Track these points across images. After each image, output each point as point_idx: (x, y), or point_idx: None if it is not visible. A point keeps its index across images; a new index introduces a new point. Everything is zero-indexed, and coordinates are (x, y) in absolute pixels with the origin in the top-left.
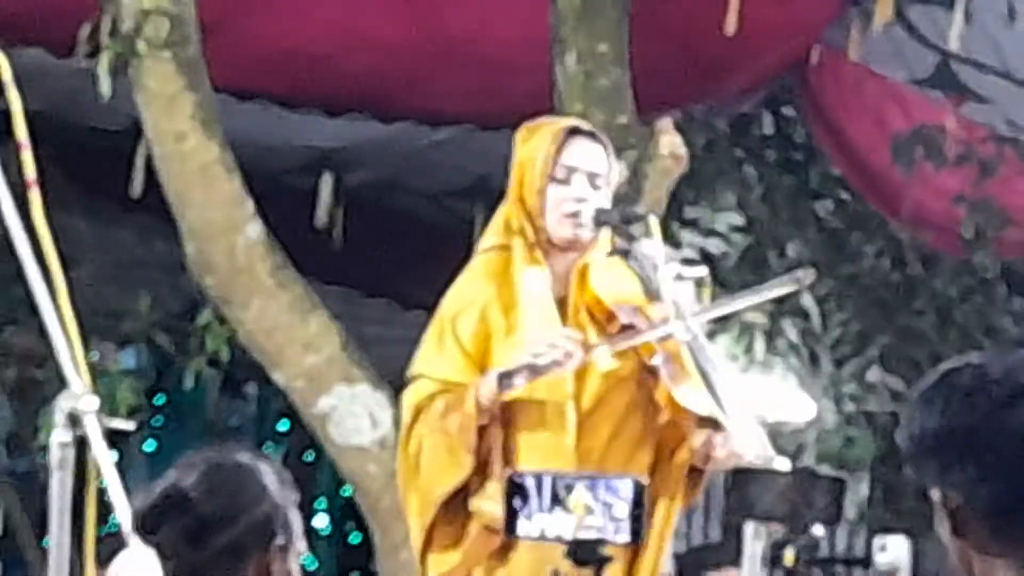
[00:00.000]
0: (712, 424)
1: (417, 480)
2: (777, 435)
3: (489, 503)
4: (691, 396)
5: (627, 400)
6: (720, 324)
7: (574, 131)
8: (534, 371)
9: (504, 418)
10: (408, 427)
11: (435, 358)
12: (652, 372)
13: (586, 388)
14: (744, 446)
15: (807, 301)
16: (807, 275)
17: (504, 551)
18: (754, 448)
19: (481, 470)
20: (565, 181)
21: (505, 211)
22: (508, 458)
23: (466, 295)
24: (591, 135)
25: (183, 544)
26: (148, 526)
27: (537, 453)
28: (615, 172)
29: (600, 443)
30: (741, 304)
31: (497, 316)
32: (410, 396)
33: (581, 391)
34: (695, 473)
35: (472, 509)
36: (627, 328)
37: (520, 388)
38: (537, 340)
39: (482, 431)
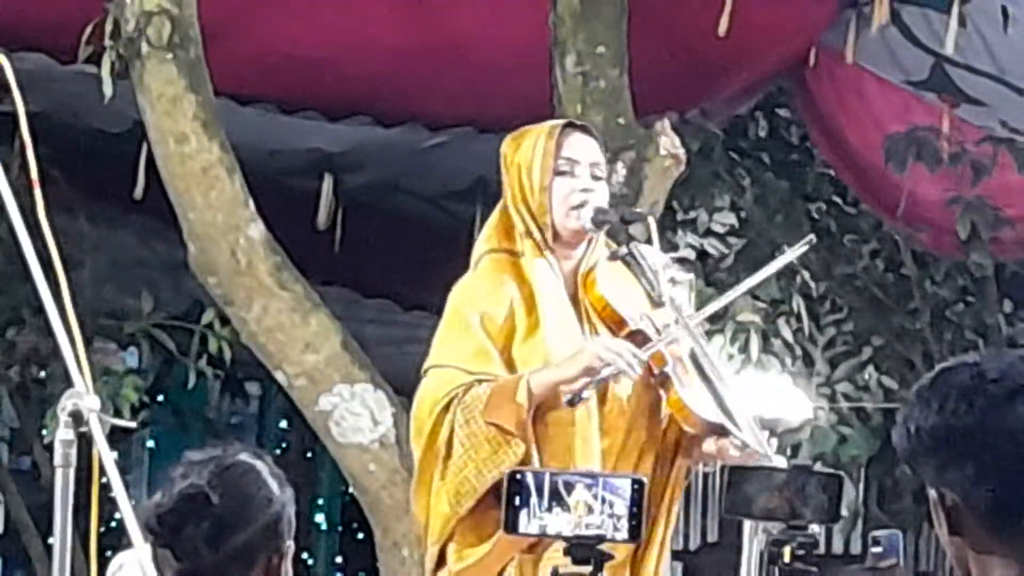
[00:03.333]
0: (720, 430)
1: (446, 469)
2: (772, 434)
3: None
4: (701, 402)
5: (637, 406)
6: (716, 324)
7: (568, 125)
8: (596, 379)
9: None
10: (438, 416)
11: (464, 350)
12: (659, 379)
13: (609, 392)
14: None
15: (801, 301)
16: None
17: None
18: (759, 450)
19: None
20: (569, 173)
21: (499, 218)
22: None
23: (490, 292)
24: (583, 128)
25: (202, 546)
26: (170, 527)
27: (562, 450)
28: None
29: (616, 446)
30: (734, 294)
31: (522, 316)
32: (438, 385)
33: (604, 395)
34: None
35: None
36: (635, 333)
37: (587, 399)
38: (601, 349)
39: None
